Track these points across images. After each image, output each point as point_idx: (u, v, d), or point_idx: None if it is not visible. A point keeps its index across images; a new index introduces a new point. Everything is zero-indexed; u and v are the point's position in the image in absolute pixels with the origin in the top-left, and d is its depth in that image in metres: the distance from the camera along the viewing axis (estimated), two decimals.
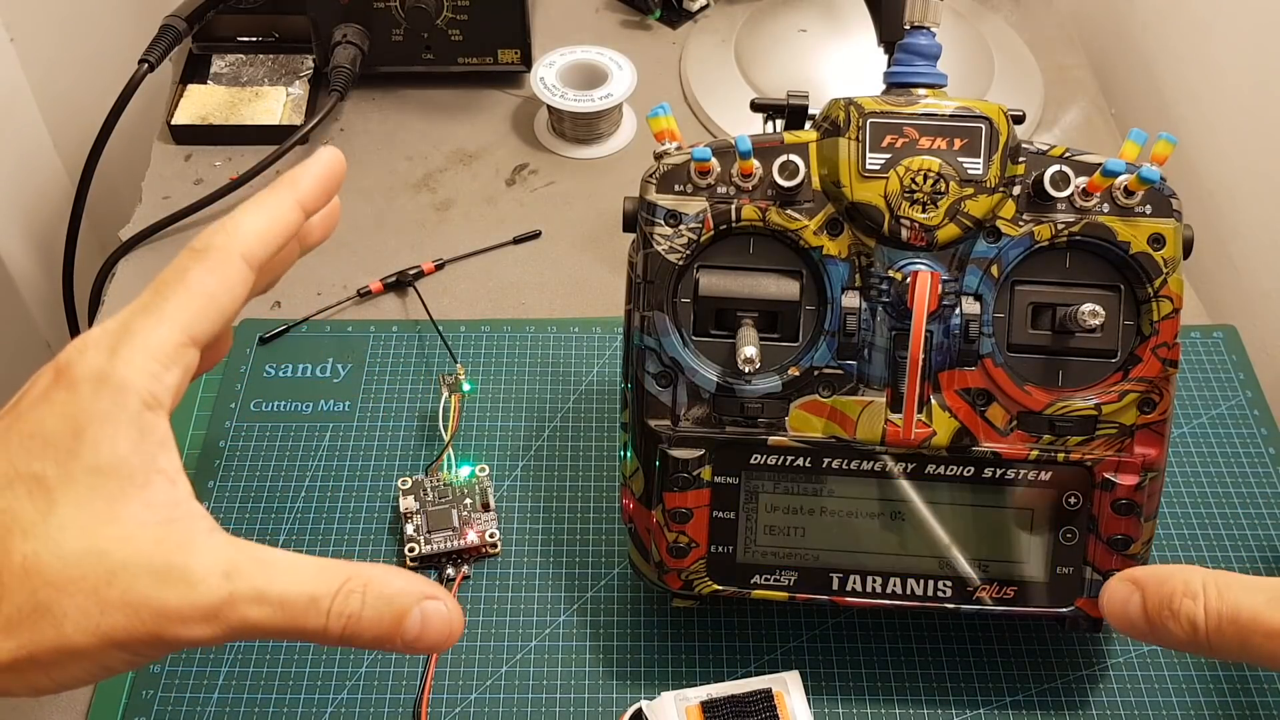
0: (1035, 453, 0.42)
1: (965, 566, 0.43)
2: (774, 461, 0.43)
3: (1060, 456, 0.42)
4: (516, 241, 0.65)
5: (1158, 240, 0.41)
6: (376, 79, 0.74)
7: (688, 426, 0.42)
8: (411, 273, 0.63)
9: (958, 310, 0.41)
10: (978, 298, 0.41)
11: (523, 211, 0.68)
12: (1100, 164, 0.41)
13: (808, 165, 0.41)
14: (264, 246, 0.35)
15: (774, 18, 0.78)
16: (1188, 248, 0.42)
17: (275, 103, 0.72)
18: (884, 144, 0.40)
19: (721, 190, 0.42)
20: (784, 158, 0.41)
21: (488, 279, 0.64)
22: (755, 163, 0.41)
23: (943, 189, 0.40)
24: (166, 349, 0.32)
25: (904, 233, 0.40)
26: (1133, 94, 0.80)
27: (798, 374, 0.42)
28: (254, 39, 0.75)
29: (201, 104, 0.72)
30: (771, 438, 0.42)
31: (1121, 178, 0.41)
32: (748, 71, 0.75)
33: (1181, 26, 0.76)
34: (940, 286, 0.40)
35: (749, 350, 0.40)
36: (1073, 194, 0.41)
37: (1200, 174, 0.72)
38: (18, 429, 0.31)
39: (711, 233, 0.42)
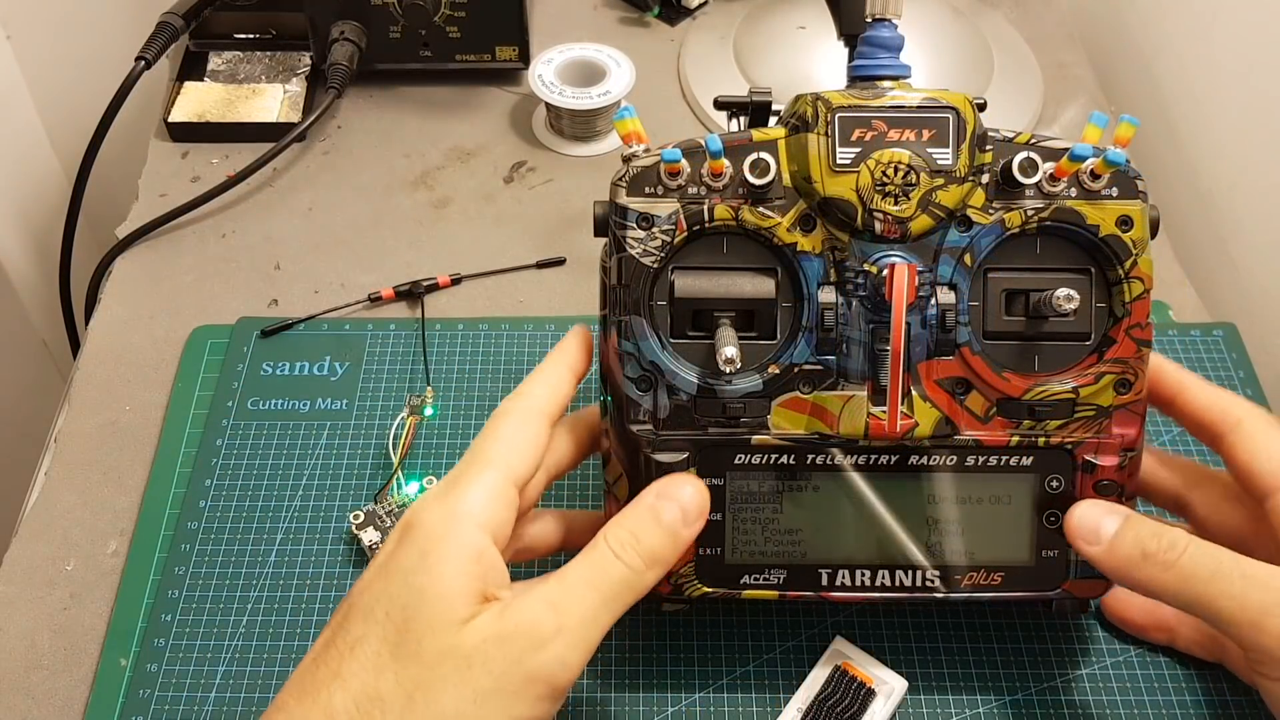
0: (1016, 438, 0.42)
1: (952, 555, 0.43)
2: (758, 461, 0.42)
3: (1041, 441, 0.42)
4: (540, 266, 0.64)
5: (1126, 222, 0.41)
6: (374, 76, 0.74)
7: (670, 430, 0.42)
8: (425, 283, 0.62)
9: (933, 301, 0.41)
10: (952, 287, 0.41)
11: (521, 209, 0.68)
12: (1067, 149, 0.41)
13: (778, 162, 0.41)
14: (552, 404, 0.41)
15: (772, 15, 0.78)
16: (1154, 228, 0.42)
17: (272, 100, 0.72)
18: (853, 138, 0.40)
19: (692, 191, 0.41)
20: (755, 156, 0.41)
21: (486, 277, 0.64)
22: (725, 162, 0.41)
23: (914, 180, 0.40)
24: (492, 487, 0.38)
25: (877, 225, 0.40)
26: (1132, 92, 0.80)
27: (778, 372, 0.41)
28: (251, 36, 0.75)
29: (198, 101, 0.72)
30: (754, 437, 0.42)
31: (1088, 162, 0.41)
32: (746, 69, 0.75)
33: (1181, 25, 0.75)
34: (917, 278, 0.40)
35: (729, 350, 0.39)
36: (1040, 180, 0.41)
37: (1200, 173, 0.72)
38: (381, 567, 0.37)
39: (684, 234, 0.41)
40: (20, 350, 0.87)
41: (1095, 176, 0.41)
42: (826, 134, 0.40)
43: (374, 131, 0.72)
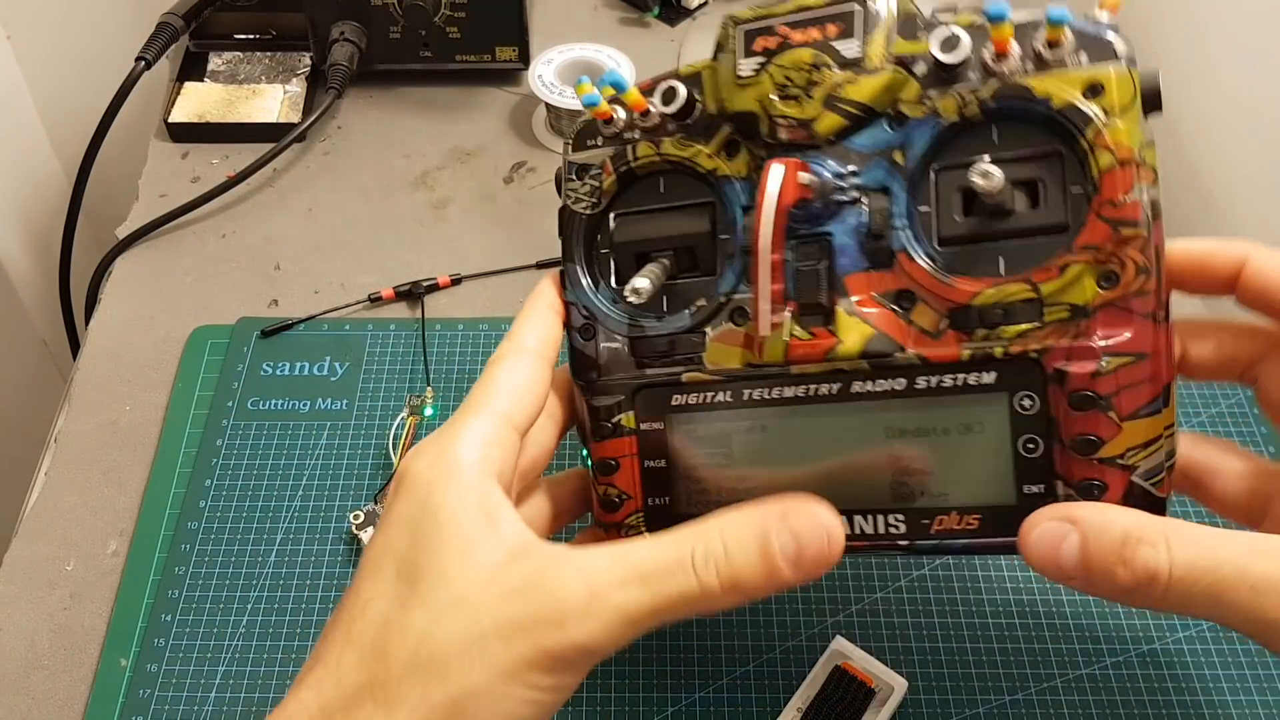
0: (969, 352, 0.35)
1: (919, 496, 0.37)
2: (696, 401, 0.40)
3: (998, 351, 0.35)
4: (540, 266, 0.64)
5: (1095, 89, 0.34)
6: (374, 77, 0.74)
7: (610, 375, 0.40)
8: (425, 283, 0.62)
9: (863, 207, 0.36)
10: (884, 190, 0.36)
11: (520, 209, 0.68)
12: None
13: (700, 91, 0.39)
14: (544, 344, 0.39)
15: None
16: (1153, 95, 0.34)
17: (272, 100, 0.72)
18: (756, 48, 0.38)
19: (627, 136, 0.40)
20: (664, 85, 0.39)
21: (486, 277, 0.64)
22: (646, 99, 0.39)
23: (817, 79, 0.36)
24: (486, 430, 0.36)
25: (781, 132, 0.37)
26: None
27: (706, 304, 0.39)
28: (251, 36, 0.75)
29: (198, 102, 0.72)
30: (686, 374, 0.39)
31: (1039, 32, 0.34)
32: None
33: (1181, 26, 0.75)
34: (803, 174, 0.36)
35: (638, 282, 0.37)
36: (980, 59, 0.35)
37: (1200, 174, 0.72)
38: (383, 523, 0.35)
39: (613, 177, 0.40)
40: (20, 350, 0.87)
41: (1052, 45, 0.34)
42: (733, 49, 0.38)
43: (374, 132, 0.72)
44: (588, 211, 0.41)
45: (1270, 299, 0.37)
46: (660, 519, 0.41)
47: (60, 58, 0.85)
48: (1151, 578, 0.30)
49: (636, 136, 0.40)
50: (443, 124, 0.73)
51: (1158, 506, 0.34)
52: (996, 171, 0.33)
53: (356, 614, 0.33)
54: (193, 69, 0.74)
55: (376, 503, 0.52)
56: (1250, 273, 0.37)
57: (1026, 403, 0.35)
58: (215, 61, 0.74)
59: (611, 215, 0.41)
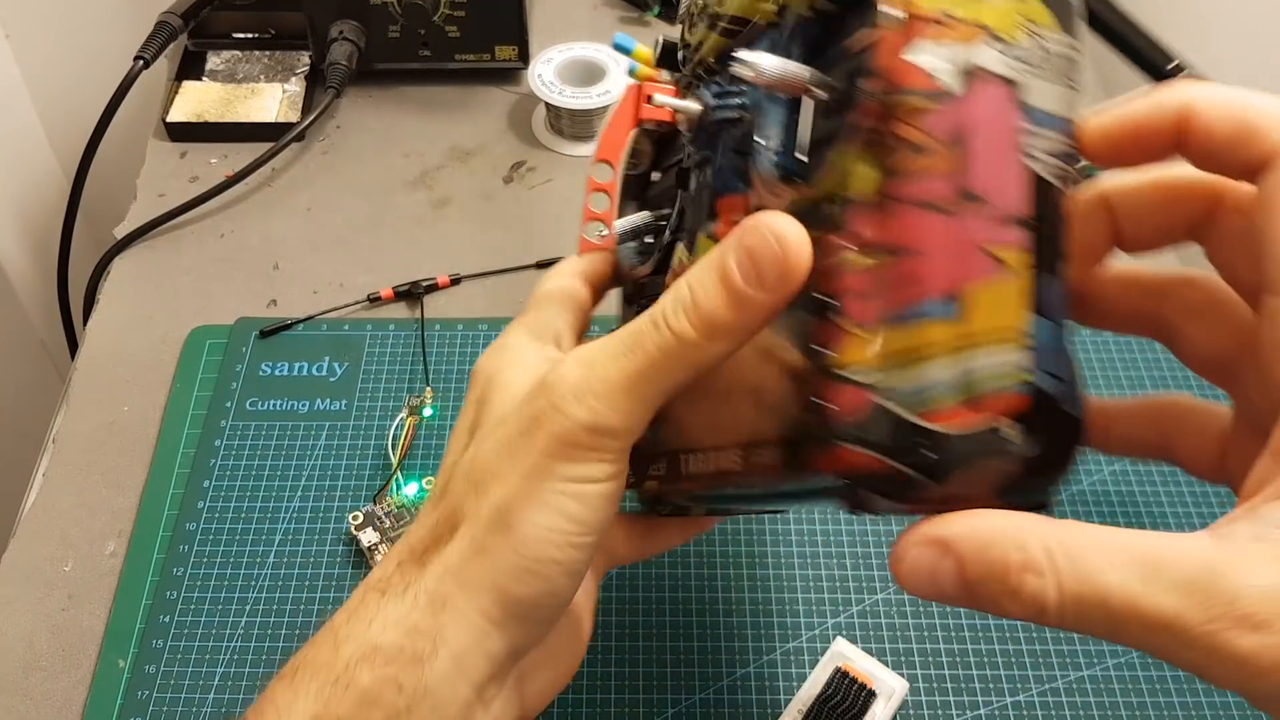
0: None
1: (747, 429, 0.32)
2: None
3: None
4: (540, 266, 0.64)
5: None
6: (373, 76, 0.74)
7: (622, 314, 0.42)
8: (425, 283, 0.62)
9: (740, 129, 0.33)
10: (754, 107, 0.32)
11: (520, 209, 0.68)
12: None
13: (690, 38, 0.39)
14: (580, 273, 0.41)
15: None
16: None
17: (271, 100, 0.72)
18: None
19: None
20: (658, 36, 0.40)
21: (486, 277, 0.64)
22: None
23: (705, 1, 0.35)
24: (536, 320, 0.39)
25: (687, 64, 0.36)
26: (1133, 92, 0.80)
27: (669, 241, 0.39)
28: (250, 35, 0.75)
29: (197, 101, 0.72)
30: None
31: None
32: None
33: (1182, 26, 0.75)
34: (663, 98, 0.36)
35: (619, 223, 0.39)
36: None
37: None
38: (460, 414, 0.37)
39: (645, 138, 0.41)
40: (19, 350, 0.87)
41: None
42: None
43: (373, 131, 0.72)
44: (631, 172, 0.42)
45: (1232, 154, 0.28)
46: (634, 459, 0.35)
47: (59, 57, 0.85)
48: (1041, 610, 0.26)
49: None
50: (442, 124, 0.73)
51: (925, 437, 0.26)
52: (763, 61, 0.28)
53: (440, 478, 0.35)
54: (191, 68, 0.74)
55: (376, 503, 0.52)
56: (1198, 126, 0.29)
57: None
58: (214, 60, 0.74)
59: (655, 172, 0.42)
